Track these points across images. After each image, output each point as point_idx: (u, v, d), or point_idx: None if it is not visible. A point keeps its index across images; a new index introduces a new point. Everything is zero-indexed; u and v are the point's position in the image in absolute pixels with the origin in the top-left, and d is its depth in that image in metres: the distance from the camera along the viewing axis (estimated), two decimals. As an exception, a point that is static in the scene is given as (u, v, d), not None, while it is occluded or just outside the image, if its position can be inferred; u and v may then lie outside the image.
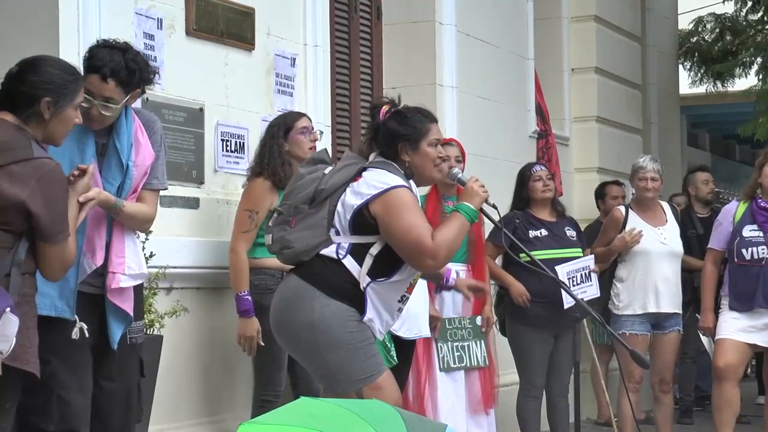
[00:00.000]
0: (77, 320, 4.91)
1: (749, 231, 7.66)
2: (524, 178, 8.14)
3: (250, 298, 6.53)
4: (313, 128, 6.88)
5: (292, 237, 5.30)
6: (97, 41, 5.19)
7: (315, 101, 7.91)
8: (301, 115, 6.97)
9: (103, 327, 5.09)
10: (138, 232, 5.27)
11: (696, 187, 10.80)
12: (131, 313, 5.11)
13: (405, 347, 6.69)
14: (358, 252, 5.25)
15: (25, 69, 4.52)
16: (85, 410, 5.00)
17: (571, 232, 8.04)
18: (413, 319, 6.65)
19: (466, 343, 7.45)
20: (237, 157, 7.21)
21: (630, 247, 8.12)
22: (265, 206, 6.57)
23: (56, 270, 4.48)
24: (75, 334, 4.91)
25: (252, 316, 6.53)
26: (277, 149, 6.68)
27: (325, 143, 7.45)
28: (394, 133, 5.36)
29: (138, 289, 5.33)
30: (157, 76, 5.27)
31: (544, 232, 7.93)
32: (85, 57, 5.07)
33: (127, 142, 5.04)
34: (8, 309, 4.07)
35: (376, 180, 5.25)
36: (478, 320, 7.53)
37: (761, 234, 7.61)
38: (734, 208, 7.84)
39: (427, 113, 5.49)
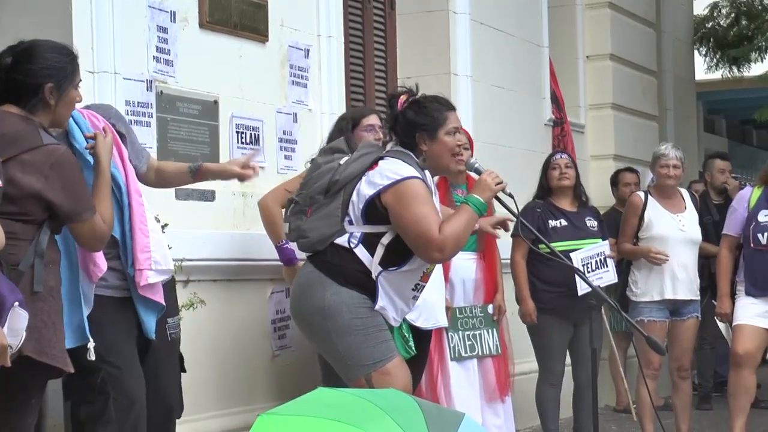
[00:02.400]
0: (91, 340, 4.80)
1: (765, 216, 7.66)
2: (546, 166, 8.15)
3: (290, 246, 6.51)
4: (380, 126, 6.73)
5: (307, 227, 5.38)
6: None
7: (329, 92, 7.90)
8: (370, 111, 6.87)
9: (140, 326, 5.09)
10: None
11: (712, 175, 10.79)
12: (163, 302, 5.09)
13: (422, 338, 6.68)
14: (369, 241, 5.31)
15: (20, 59, 4.48)
16: (143, 407, 5.00)
17: (591, 222, 8.01)
18: (430, 309, 6.65)
19: (477, 332, 7.44)
20: (252, 150, 7.20)
21: (648, 261, 8.07)
22: None
23: (91, 243, 4.55)
24: (89, 354, 4.82)
25: (296, 263, 6.54)
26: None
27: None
28: (412, 123, 5.39)
29: (171, 284, 5.35)
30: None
31: (563, 222, 7.92)
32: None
33: (82, 142, 4.86)
34: (17, 303, 4.06)
35: (390, 170, 5.28)
36: (490, 308, 7.52)
37: (776, 219, 7.62)
38: (749, 194, 7.84)
39: (444, 102, 5.51)
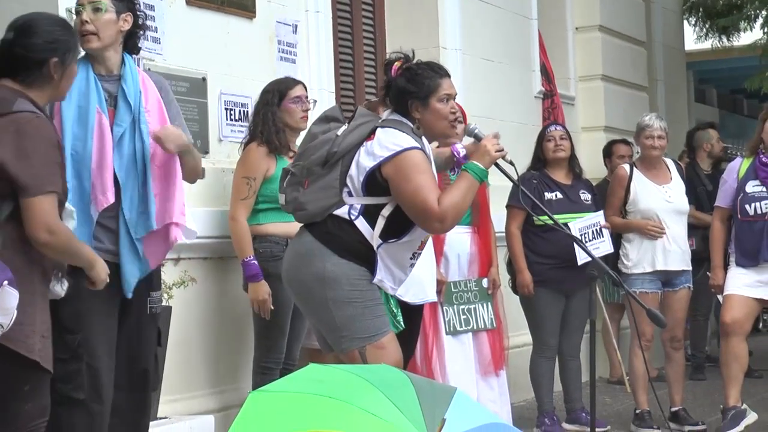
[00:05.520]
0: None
1: (752, 186, 7.68)
2: (540, 138, 8.15)
3: (256, 262, 6.55)
4: (306, 97, 6.85)
5: (305, 199, 5.36)
6: None
7: (318, 67, 7.87)
8: (296, 82, 6.93)
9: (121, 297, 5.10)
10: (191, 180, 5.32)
11: (711, 144, 10.75)
12: (151, 264, 5.12)
13: (412, 313, 6.68)
14: (370, 213, 5.29)
15: (22, 33, 4.41)
16: (110, 379, 5.03)
17: (585, 196, 8.02)
18: (419, 284, 6.64)
19: (472, 306, 7.44)
20: (241, 126, 7.19)
21: (644, 233, 8.05)
22: (261, 172, 6.60)
23: (33, 226, 4.24)
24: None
25: (261, 280, 6.55)
26: (271, 117, 6.68)
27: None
28: (404, 90, 5.36)
29: None
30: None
31: (559, 194, 7.92)
32: None
33: (134, 87, 5.05)
34: (6, 282, 4.00)
35: (390, 141, 5.25)
36: (485, 282, 7.52)
37: (764, 189, 7.64)
38: (738, 165, 7.85)
39: (437, 68, 5.47)
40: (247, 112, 7.23)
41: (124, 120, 5.02)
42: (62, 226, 4.35)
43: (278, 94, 6.76)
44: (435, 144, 5.81)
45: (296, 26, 7.73)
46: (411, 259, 5.46)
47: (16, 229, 4.27)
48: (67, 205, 4.55)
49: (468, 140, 5.67)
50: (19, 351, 4.21)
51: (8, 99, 4.29)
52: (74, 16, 5.03)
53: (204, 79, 6.98)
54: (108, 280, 4.69)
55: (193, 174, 5.29)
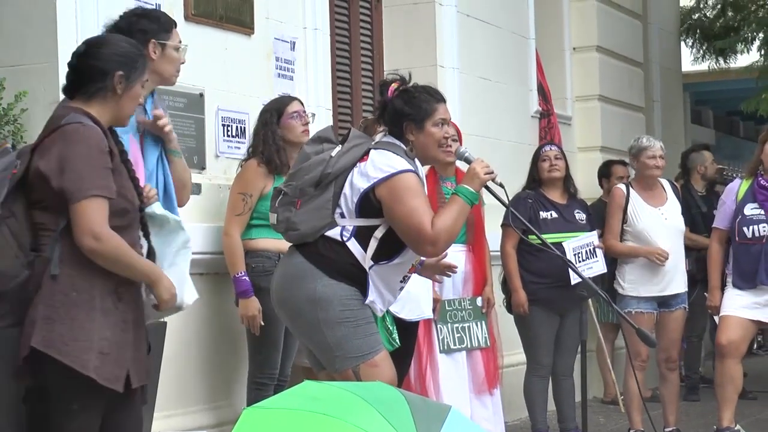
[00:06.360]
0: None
1: (750, 209, 7.69)
2: (536, 158, 8.15)
3: (247, 278, 6.56)
4: (304, 111, 6.87)
5: (297, 219, 5.34)
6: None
7: (315, 85, 7.88)
8: (292, 99, 6.96)
9: None
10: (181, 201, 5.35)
11: (705, 167, 10.78)
12: None
13: (408, 330, 6.67)
14: (362, 235, 5.28)
15: (94, 44, 4.43)
16: None
17: (580, 215, 8.02)
18: (415, 301, 6.64)
19: (466, 324, 7.44)
20: (238, 142, 7.20)
21: (650, 260, 8.03)
22: (258, 189, 6.61)
23: (79, 233, 4.13)
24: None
25: (251, 296, 6.55)
26: (271, 136, 6.69)
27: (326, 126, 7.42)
28: (400, 112, 5.37)
29: None
30: None
31: (554, 214, 7.92)
32: (140, 14, 5.22)
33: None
34: None
35: (384, 163, 5.26)
36: (479, 301, 7.52)
37: (762, 212, 7.65)
38: (737, 187, 7.86)
39: (434, 92, 5.49)
40: (245, 128, 7.24)
41: (154, 151, 5.14)
42: (110, 233, 4.17)
43: (276, 113, 6.77)
44: (427, 167, 5.83)
45: (294, 43, 7.74)
46: (401, 282, 5.45)
47: (74, 243, 4.19)
48: (169, 215, 4.63)
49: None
50: (73, 366, 4.11)
51: (62, 116, 4.27)
52: (177, 52, 5.18)
53: (201, 95, 6.99)
54: (176, 301, 4.52)
55: (180, 185, 5.28)
